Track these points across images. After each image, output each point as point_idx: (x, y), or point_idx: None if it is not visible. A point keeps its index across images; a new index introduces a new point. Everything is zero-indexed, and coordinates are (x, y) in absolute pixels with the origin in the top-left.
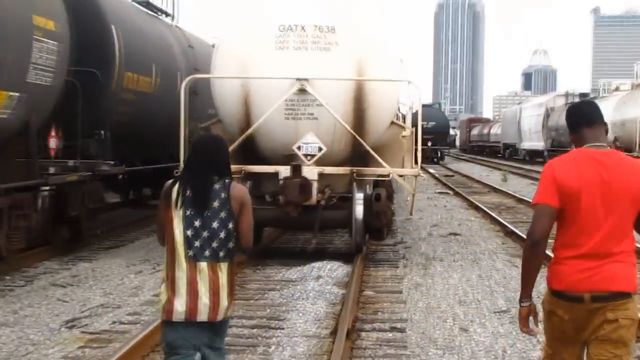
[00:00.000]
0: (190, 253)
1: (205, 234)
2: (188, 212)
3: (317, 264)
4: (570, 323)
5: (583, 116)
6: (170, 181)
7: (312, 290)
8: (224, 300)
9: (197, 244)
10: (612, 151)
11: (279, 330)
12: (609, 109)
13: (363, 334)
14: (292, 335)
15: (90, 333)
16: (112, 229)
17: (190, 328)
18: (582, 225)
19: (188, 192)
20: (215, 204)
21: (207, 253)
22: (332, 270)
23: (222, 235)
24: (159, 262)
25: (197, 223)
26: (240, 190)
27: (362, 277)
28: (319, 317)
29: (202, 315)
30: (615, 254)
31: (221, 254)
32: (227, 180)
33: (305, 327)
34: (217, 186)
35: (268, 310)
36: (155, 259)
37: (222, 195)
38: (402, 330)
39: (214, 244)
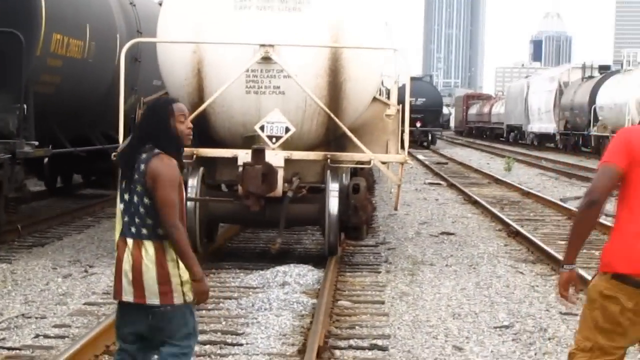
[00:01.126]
0: (122, 229)
1: (131, 208)
2: (122, 185)
3: (282, 268)
4: (630, 313)
5: None
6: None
7: (276, 300)
8: (150, 282)
9: (125, 218)
10: None
11: (236, 347)
12: (633, 85)
13: (337, 352)
14: (252, 353)
15: (8, 349)
16: (35, 224)
17: (126, 310)
18: None
19: None
20: (136, 176)
21: (133, 229)
22: (301, 276)
23: (141, 210)
24: (91, 264)
25: (126, 196)
26: (154, 162)
27: (336, 284)
28: (284, 332)
29: (127, 295)
30: None
31: (144, 231)
32: (155, 151)
33: (267, 344)
34: (143, 156)
35: (223, 323)
36: (87, 260)
37: (141, 167)
38: (384, 349)
39: (137, 220)
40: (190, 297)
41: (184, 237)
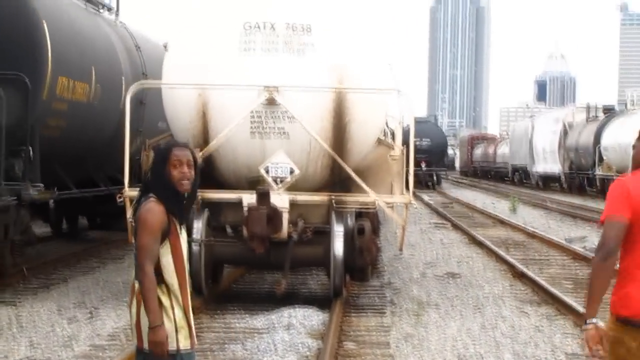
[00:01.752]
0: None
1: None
2: None
3: (287, 310)
4: (638, 351)
5: None
6: None
7: (281, 342)
8: (146, 327)
9: (135, 262)
10: None
11: None
12: (638, 125)
13: None
14: None
15: None
16: (40, 266)
17: (136, 352)
18: None
19: None
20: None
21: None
22: (306, 318)
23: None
24: (97, 307)
25: (134, 240)
26: (141, 209)
27: (341, 326)
28: None
29: (133, 338)
30: None
31: None
32: (148, 195)
33: None
34: (142, 201)
35: None
36: (93, 303)
37: (137, 212)
38: None
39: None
40: (185, 345)
41: (147, 281)
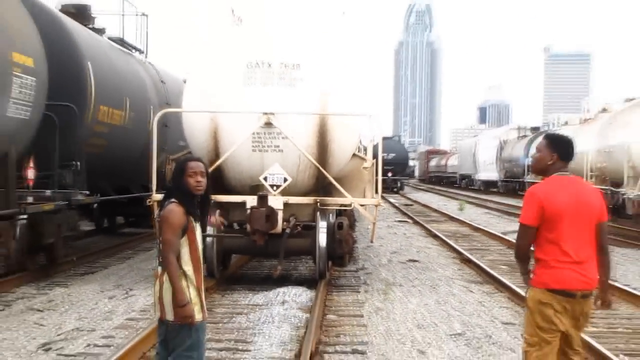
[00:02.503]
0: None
1: (159, 245)
2: None
3: (282, 289)
4: (560, 313)
5: (572, 153)
6: None
7: (277, 315)
8: (167, 302)
9: (158, 253)
10: (576, 178)
11: (245, 353)
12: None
13: (326, 356)
14: (259, 357)
15: (66, 355)
16: (86, 256)
17: (158, 323)
18: (567, 237)
19: None
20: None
21: (160, 260)
22: (297, 295)
23: (159, 247)
24: (131, 288)
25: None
26: (164, 210)
27: (325, 301)
28: (284, 341)
29: (157, 312)
30: (590, 260)
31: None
32: (170, 200)
33: (270, 350)
34: (165, 204)
35: (235, 334)
36: (128, 284)
37: (160, 213)
38: (363, 353)
39: (160, 254)
40: (198, 317)
41: (171, 269)
